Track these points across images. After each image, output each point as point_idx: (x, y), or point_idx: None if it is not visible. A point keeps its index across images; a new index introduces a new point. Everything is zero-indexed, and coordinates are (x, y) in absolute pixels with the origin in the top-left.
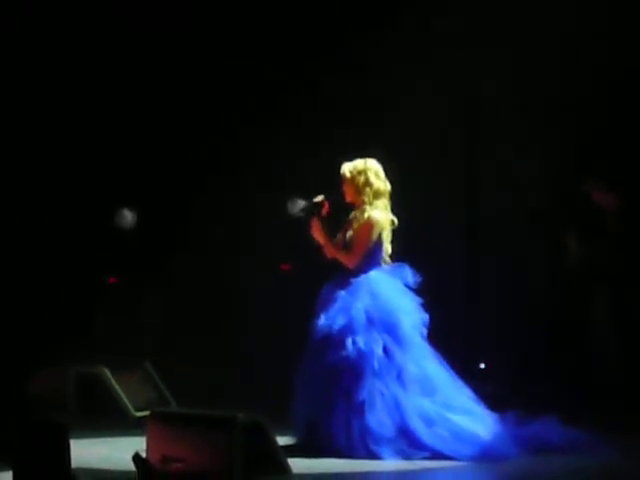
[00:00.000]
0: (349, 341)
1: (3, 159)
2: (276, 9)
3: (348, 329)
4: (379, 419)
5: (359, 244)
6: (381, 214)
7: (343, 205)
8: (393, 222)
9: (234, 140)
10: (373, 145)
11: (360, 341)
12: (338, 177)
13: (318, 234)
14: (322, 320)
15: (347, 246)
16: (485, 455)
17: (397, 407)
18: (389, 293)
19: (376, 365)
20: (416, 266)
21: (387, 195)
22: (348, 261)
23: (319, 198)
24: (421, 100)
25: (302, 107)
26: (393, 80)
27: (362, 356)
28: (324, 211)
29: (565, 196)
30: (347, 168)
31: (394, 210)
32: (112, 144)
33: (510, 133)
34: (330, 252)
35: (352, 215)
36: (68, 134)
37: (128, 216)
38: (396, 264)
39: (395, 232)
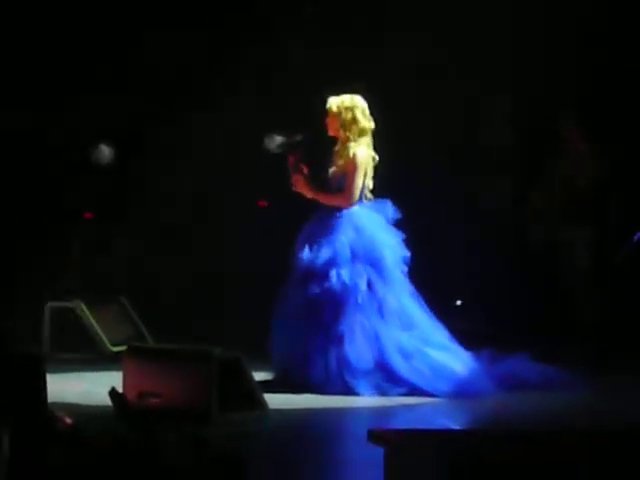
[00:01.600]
0: (333, 274)
1: None
2: None
3: (332, 262)
4: (358, 352)
5: (350, 183)
6: (365, 151)
7: (322, 141)
8: (374, 159)
9: (218, 75)
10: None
11: (344, 274)
12: (320, 111)
13: (304, 189)
14: (306, 254)
15: (330, 181)
16: (462, 391)
17: (376, 340)
18: (372, 228)
19: (359, 299)
20: (397, 203)
21: (370, 133)
22: (344, 202)
23: (298, 137)
24: (407, 37)
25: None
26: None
27: (346, 289)
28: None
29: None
30: (334, 103)
31: (376, 148)
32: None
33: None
34: (323, 200)
35: (335, 151)
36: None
37: (105, 151)
38: (378, 200)
39: (377, 168)
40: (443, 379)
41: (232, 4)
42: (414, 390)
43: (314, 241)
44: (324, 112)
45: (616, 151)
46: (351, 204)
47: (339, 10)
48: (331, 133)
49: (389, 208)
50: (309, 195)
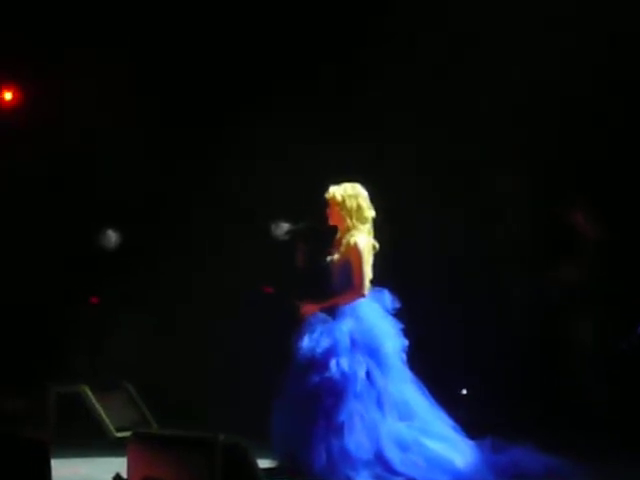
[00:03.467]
0: (333, 363)
1: None
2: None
3: (332, 351)
4: (358, 442)
5: (358, 272)
6: (365, 239)
7: (322, 230)
8: (374, 247)
9: (218, 162)
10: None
11: (344, 363)
12: (320, 200)
13: (314, 309)
14: (306, 342)
15: (331, 269)
16: None
17: (374, 431)
18: (372, 317)
19: (358, 388)
20: (396, 291)
21: (371, 221)
22: (356, 295)
23: (304, 224)
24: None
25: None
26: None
27: (345, 378)
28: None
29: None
30: (338, 192)
31: (375, 235)
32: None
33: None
34: (336, 303)
35: (337, 239)
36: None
37: (112, 236)
38: (376, 289)
39: (375, 257)
40: (440, 470)
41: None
42: None
43: (315, 329)
44: (324, 201)
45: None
46: (363, 294)
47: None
48: (332, 222)
49: (387, 297)
50: (318, 308)
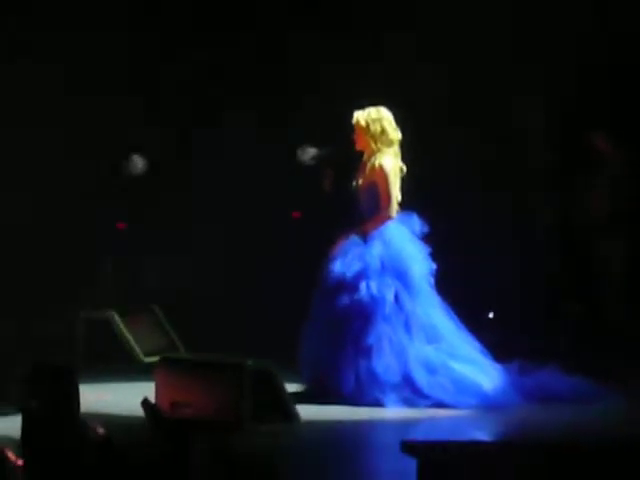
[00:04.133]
0: (363, 286)
1: None
2: None
3: (362, 274)
4: (386, 364)
5: (384, 194)
6: (392, 161)
7: (349, 154)
8: (401, 169)
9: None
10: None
11: (373, 286)
12: (346, 125)
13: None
14: (337, 266)
15: (358, 193)
16: (486, 404)
17: (402, 354)
18: (400, 240)
19: (387, 311)
20: (424, 215)
21: (397, 143)
22: (383, 218)
23: (330, 149)
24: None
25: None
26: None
27: (374, 301)
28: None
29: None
30: (362, 116)
31: (404, 158)
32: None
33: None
34: (367, 229)
35: (363, 163)
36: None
37: (138, 161)
38: (404, 213)
39: (403, 180)
40: (467, 393)
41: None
42: (439, 403)
43: (345, 254)
44: (350, 126)
45: None
46: (390, 215)
47: (370, 25)
48: (359, 147)
49: (415, 221)
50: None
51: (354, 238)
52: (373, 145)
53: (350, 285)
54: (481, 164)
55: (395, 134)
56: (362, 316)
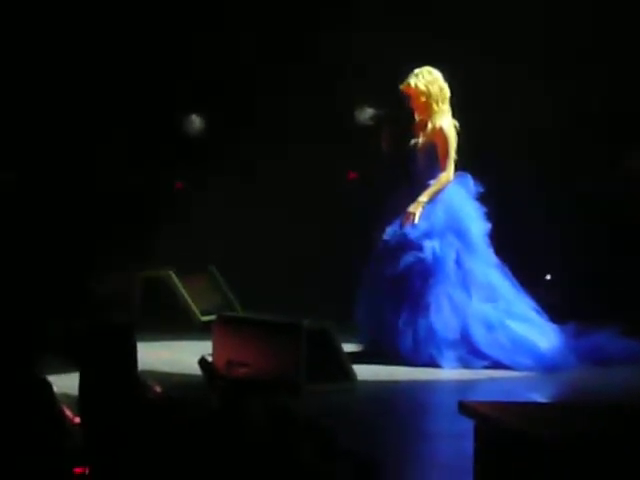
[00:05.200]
0: (427, 245)
1: None
2: None
3: (428, 234)
4: (445, 322)
5: (444, 156)
6: (449, 121)
7: (407, 114)
8: (456, 127)
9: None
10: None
11: (436, 245)
12: (401, 87)
13: (418, 207)
14: (398, 225)
15: (417, 154)
16: (543, 365)
17: (461, 312)
18: (459, 201)
19: (450, 270)
20: (479, 176)
21: (449, 101)
22: (445, 180)
23: (389, 109)
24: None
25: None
26: None
27: (436, 260)
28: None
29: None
30: (419, 82)
31: (454, 115)
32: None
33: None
34: (434, 194)
35: (419, 122)
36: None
37: (196, 121)
38: (460, 173)
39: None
40: (525, 353)
41: None
42: (497, 363)
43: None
44: (404, 86)
45: None
46: (450, 178)
47: None
48: (419, 112)
49: (470, 181)
50: (424, 205)
51: (409, 197)
52: (436, 107)
53: (414, 244)
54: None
55: (448, 91)
56: (424, 275)
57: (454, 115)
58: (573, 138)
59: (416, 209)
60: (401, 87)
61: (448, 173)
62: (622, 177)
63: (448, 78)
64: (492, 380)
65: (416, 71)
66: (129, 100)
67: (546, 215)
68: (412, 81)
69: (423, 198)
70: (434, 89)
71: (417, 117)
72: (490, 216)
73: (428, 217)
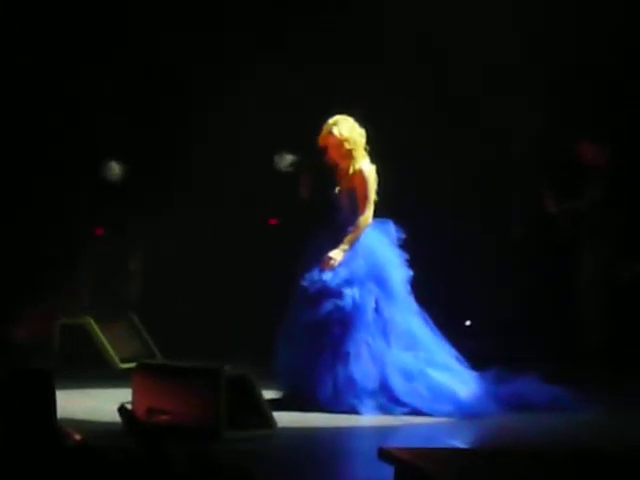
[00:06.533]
0: (347, 292)
1: None
2: None
3: (348, 282)
4: (364, 371)
5: (363, 199)
6: (369, 165)
7: (325, 161)
8: (376, 172)
9: (220, 92)
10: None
11: (356, 293)
12: (319, 134)
13: (339, 254)
14: (319, 272)
15: (339, 200)
16: (463, 412)
17: (380, 360)
18: (379, 247)
19: (369, 317)
20: (401, 222)
21: (366, 147)
22: (364, 225)
23: (307, 156)
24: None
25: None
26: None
27: (356, 308)
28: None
29: (546, 150)
30: (334, 127)
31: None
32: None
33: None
34: (355, 239)
35: (340, 169)
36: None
37: (116, 168)
38: (381, 219)
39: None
40: (444, 400)
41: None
42: (416, 411)
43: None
44: (323, 136)
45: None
46: (369, 221)
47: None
48: (335, 158)
49: (392, 228)
50: (345, 252)
51: (329, 243)
52: (349, 151)
53: (334, 292)
54: (452, 168)
55: (363, 138)
56: (343, 323)
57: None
58: (493, 187)
59: (337, 255)
60: (321, 137)
61: (366, 216)
62: (542, 224)
63: (363, 123)
64: (412, 426)
65: (332, 120)
66: (47, 146)
67: (466, 262)
68: (335, 130)
69: (345, 246)
70: (354, 135)
71: (338, 165)
72: (411, 263)
73: (348, 264)
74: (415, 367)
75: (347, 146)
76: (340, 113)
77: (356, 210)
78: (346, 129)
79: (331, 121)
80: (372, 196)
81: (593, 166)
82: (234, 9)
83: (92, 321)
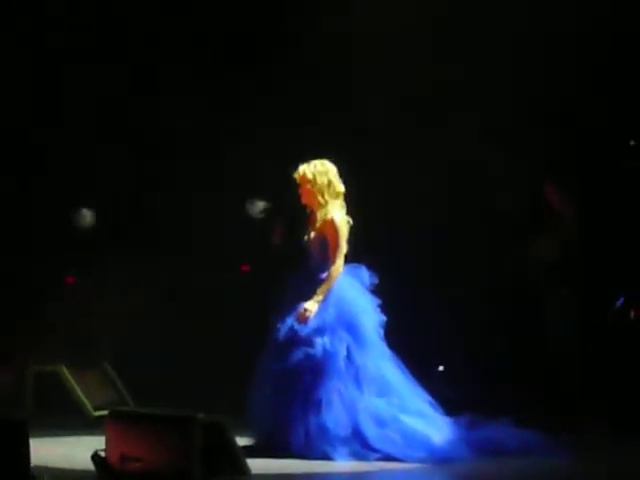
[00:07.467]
0: (317, 341)
1: None
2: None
3: (319, 330)
4: (336, 418)
5: (335, 248)
6: (340, 214)
7: (298, 208)
8: (349, 222)
9: (192, 143)
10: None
11: (327, 341)
12: (292, 178)
13: (313, 306)
14: (290, 320)
15: (310, 247)
16: (435, 458)
17: (352, 407)
18: (351, 294)
19: (340, 365)
20: (373, 267)
21: (342, 196)
22: (335, 275)
23: (279, 203)
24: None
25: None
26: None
27: (327, 356)
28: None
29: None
30: (308, 170)
31: (348, 210)
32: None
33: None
34: (328, 289)
35: (311, 216)
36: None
37: (87, 215)
38: (354, 265)
39: (351, 232)
40: (417, 446)
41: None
42: (389, 457)
43: (299, 308)
44: (295, 181)
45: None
46: (340, 271)
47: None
48: (305, 201)
49: (365, 273)
50: (319, 302)
51: (300, 290)
52: (320, 198)
53: (305, 340)
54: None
55: (340, 186)
56: (314, 370)
57: (348, 211)
58: (466, 234)
59: (312, 306)
60: (295, 175)
61: (337, 266)
62: (514, 271)
63: (345, 173)
64: (385, 472)
65: (312, 161)
66: (21, 194)
67: (438, 307)
68: (301, 169)
69: (319, 297)
70: (322, 180)
71: (307, 209)
72: (384, 308)
73: (319, 312)
74: (388, 413)
75: (308, 186)
76: (313, 159)
77: (326, 258)
78: (314, 170)
79: (310, 163)
80: (343, 245)
81: (558, 212)
82: None
83: (65, 368)
